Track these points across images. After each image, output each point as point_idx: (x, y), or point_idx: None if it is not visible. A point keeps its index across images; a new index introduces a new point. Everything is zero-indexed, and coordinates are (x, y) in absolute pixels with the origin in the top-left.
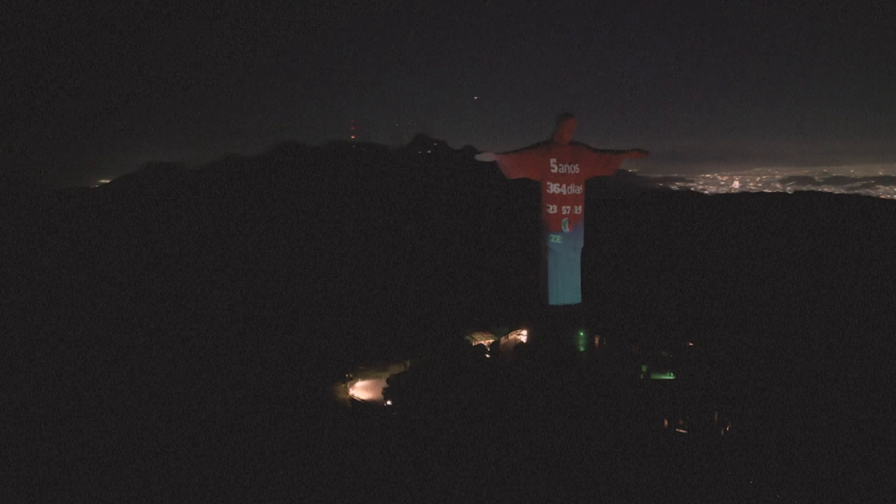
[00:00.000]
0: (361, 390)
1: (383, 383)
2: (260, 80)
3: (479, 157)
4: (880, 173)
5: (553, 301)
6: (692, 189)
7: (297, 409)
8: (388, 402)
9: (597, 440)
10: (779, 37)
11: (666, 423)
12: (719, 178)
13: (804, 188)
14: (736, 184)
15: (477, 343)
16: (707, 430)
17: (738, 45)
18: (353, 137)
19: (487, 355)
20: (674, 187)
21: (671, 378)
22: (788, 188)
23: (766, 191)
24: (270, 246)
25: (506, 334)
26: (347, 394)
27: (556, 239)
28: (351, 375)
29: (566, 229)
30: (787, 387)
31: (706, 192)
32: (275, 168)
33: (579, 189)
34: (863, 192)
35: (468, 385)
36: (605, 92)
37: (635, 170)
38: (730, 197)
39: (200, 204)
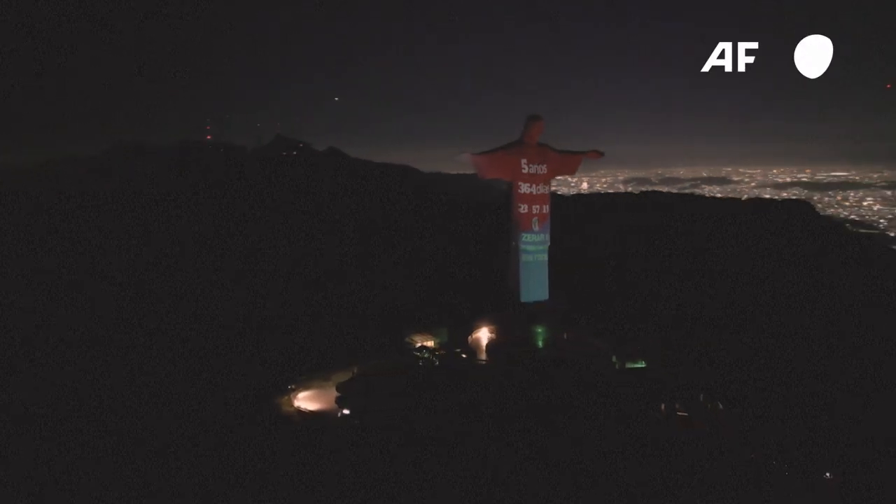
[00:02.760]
0: (306, 401)
1: (330, 392)
2: (99, 73)
3: (456, 158)
4: (704, 174)
5: (525, 298)
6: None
7: (245, 424)
8: (345, 411)
9: (596, 437)
10: (612, 53)
11: (663, 407)
12: (570, 178)
13: (644, 188)
14: (584, 185)
15: (420, 345)
16: (702, 412)
17: (583, 58)
18: (208, 138)
19: (464, 355)
20: None
21: (643, 367)
22: (630, 188)
23: (611, 191)
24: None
25: (446, 335)
26: (292, 405)
27: (527, 238)
28: (293, 386)
29: (536, 228)
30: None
31: (559, 192)
32: (114, 170)
33: (546, 189)
34: (692, 191)
35: (454, 386)
36: (461, 94)
37: None
38: (585, 197)
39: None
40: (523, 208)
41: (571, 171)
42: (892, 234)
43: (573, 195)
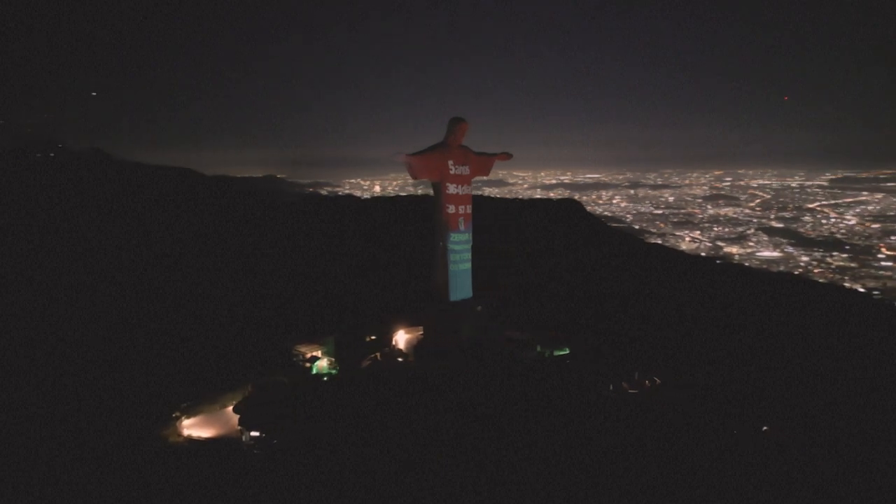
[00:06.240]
0: (196, 428)
1: (221, 415)
2: None
3: (393, 158)
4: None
5: (454, 297)
6: (339, 193)
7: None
8: (255, 433)
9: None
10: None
11: (611, 387)
12: (362, 182)
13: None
14: (377, 188)
15: (311, 356)
16: (643, 388)
17: (375, 61)
18: None
19: (400, 359)
20: (323, 192)
21: (567, 353)
22: (421, 190)
23: (403, 193)
24: None
25: (332, 345)
26: (181, 435)
27: (454, 237)
28: (178, 414)
29: (462, 227)
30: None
31: (353, 194)
32: None
33: (469, 189)
34: (479, 192)
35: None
36: (248, 93)
37: (284, 175)
38: (389, 200)
39: None
40: (451, 209)
41: (486, 172)
42: (637, 227)
43: (369, 198)
